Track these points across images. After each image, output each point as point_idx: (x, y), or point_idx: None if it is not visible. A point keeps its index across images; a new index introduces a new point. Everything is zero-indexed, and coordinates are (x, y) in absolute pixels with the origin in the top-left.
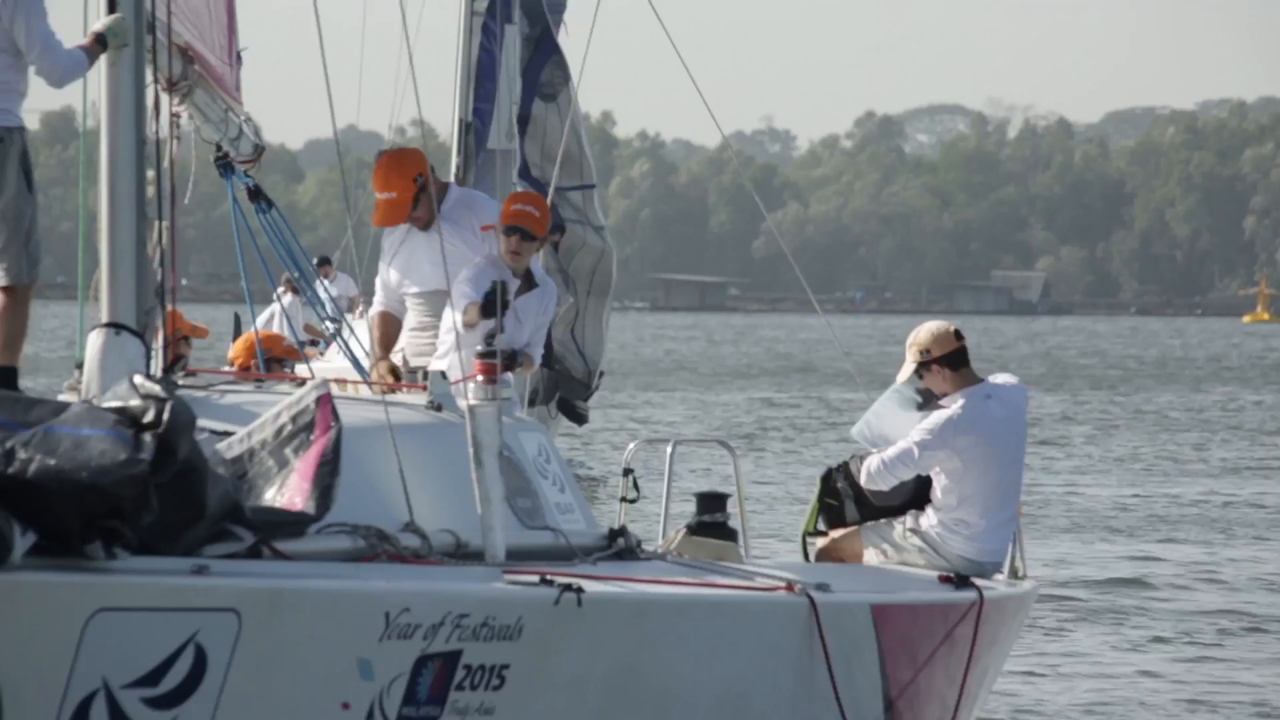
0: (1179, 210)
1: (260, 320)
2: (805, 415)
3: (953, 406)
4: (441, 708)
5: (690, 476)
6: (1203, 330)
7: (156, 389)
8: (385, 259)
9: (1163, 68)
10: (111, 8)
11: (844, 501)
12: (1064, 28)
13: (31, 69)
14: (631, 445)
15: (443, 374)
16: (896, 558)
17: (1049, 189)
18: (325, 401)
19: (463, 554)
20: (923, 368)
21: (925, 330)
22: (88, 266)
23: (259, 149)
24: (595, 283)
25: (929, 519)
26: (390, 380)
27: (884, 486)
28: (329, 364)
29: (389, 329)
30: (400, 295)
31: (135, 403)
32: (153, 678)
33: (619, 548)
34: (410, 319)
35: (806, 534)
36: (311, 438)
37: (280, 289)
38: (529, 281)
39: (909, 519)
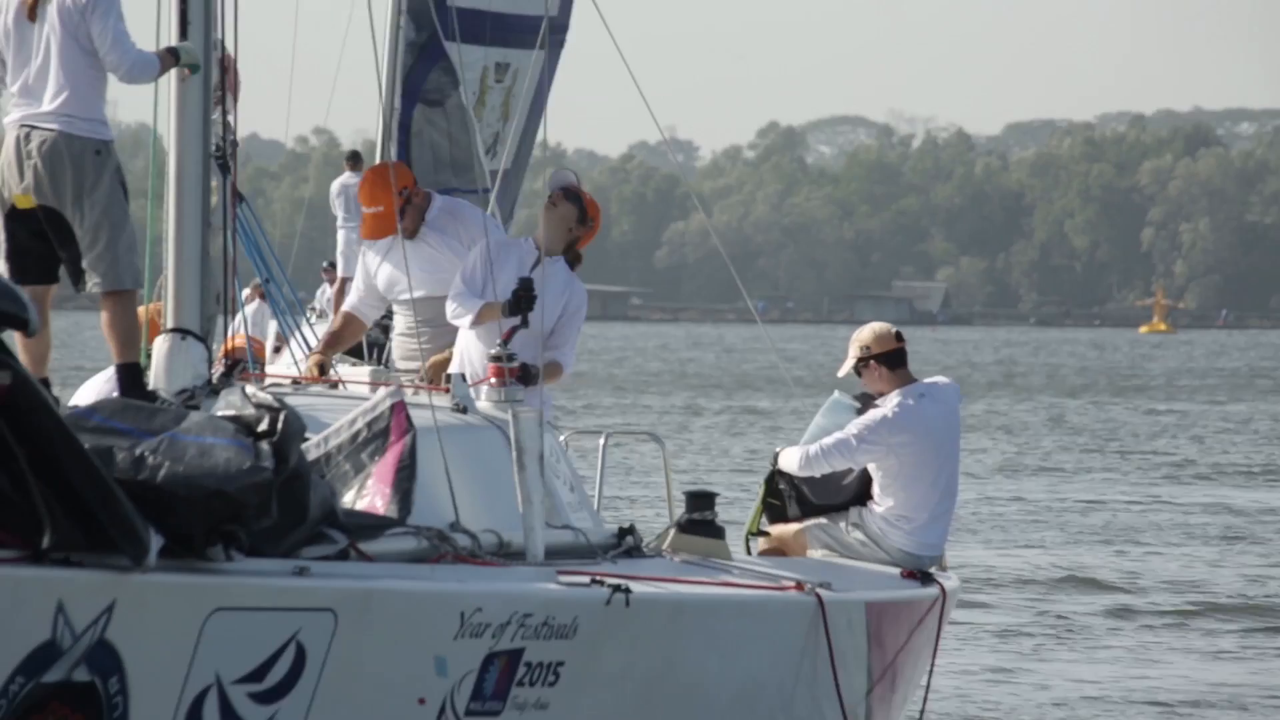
0: (1078, 222)
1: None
2: (729, 420)
3: (888, 405)
4: (504, 703)
5: (618, 471)
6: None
7: (268, 399)
8: (367, 264)
9: (1062, 81)
10: (183, 33)
11: (786, 501)
12: (964, 40)
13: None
14: (562, 438)
15: (463, 376)
16: (840, 552)
17: (949, 200)
18: (400, 408)
19: (505, 553)
20: (861, 364)
21: (868, 329)
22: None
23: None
24: None
25: (871, 515)
26: (316, 375)
27: (815, 473)
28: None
29: (347, 330)
30: (385, 300)
31: (250, 412)
32: (258, 674)
33: (628, 546)
34: (399, 323)
35: (750, 534)
36: (387, 443)
37: (246, 292)
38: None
39: (852, 515)
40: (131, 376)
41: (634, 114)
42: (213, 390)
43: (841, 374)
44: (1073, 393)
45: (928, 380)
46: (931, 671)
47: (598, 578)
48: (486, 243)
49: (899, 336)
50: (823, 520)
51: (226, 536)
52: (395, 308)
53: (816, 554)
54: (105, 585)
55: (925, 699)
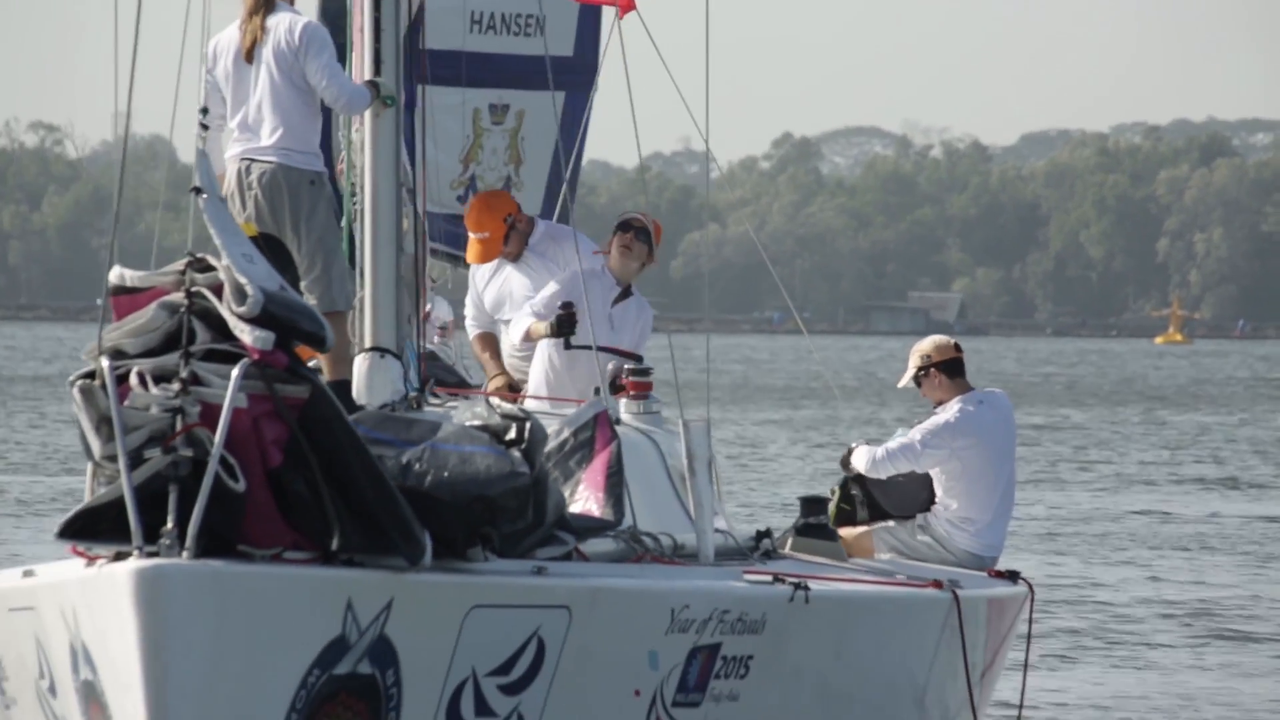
0: (1093, 232)
1: None
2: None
3: (950, 411)
4: (704, 694)
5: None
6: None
7: (513, 409)
8: (478, 286)
9: (1076, 91)
10: (377, 69)
11: (857, 506)
12: (978, 51)
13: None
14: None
15: (597, 390)
16: (906, 554)
17: (965, 211)
18: (604, 419)
19: (679, 554)
20: (922, 374)
21: (928, 340)
22: None
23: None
24: None
25: (936, 518)
26: (508, 394)
27: (882, 475)
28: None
29: (493, 347)
30: (494, 320)
31: (497, 421)
32: (506, 667)
33: (765, 548)
34: (506, 345)
35: None
36: (593, 451)
37: None
38: (626, 292)
39: (918, 519)
40: (342, 393)
41: (649, 125)
42: (410, 405)
43: (901, 385)
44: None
45: (985, 389)
46: (1027, 664)
47: (779, 576)
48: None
49: (957, 347)
50: (890, 524)
51: (484, 538)
52: (501, 327)
53: (884, 556)
54: (385, 584)
55: (1024, 687)
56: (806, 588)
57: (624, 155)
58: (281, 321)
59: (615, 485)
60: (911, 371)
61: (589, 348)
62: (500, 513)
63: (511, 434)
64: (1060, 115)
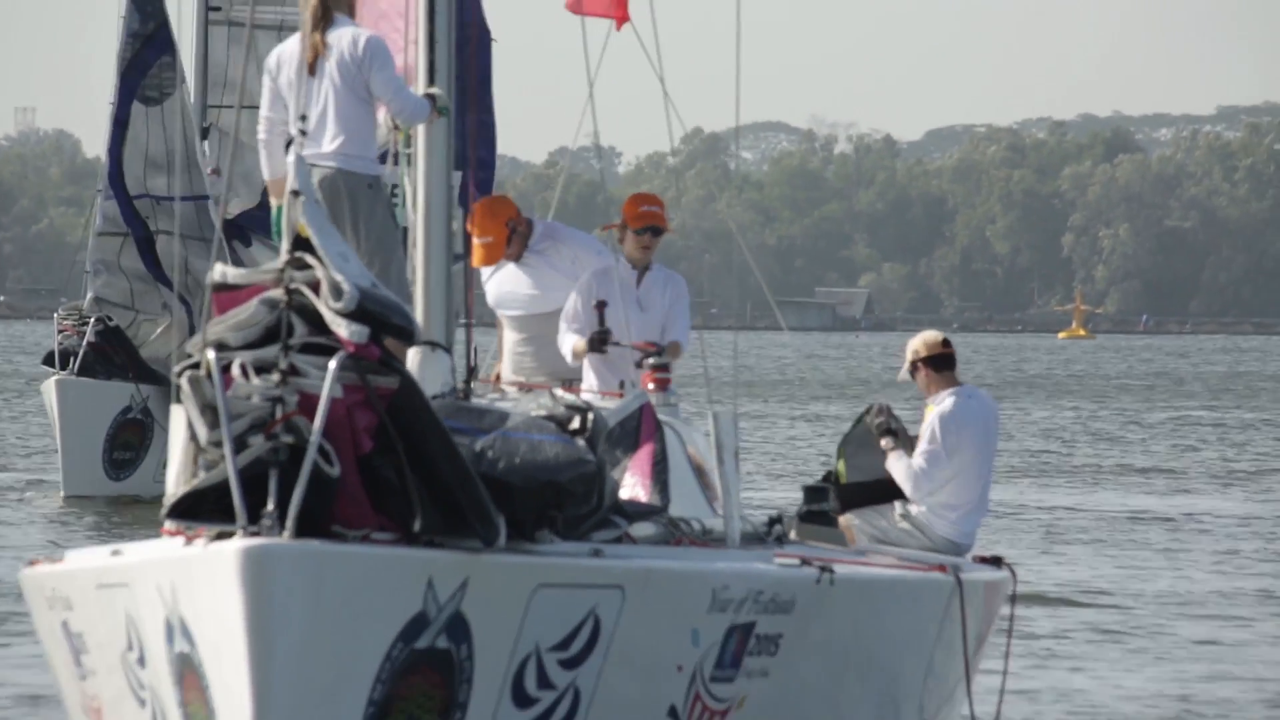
0: (999, 227)
1: None
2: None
3: (944, 404)
4: (738, 670)
5: None
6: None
7: (575, 400)
8: (482, 283)
9: (983, 87)
10: (431, 79)
11: (829, 511)
12: (885, 47)
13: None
14: None
15: (633, 383)
16: (885, 540)
17: (872, 206)
18: (648, 409)
19: (709, 539)
20: (913, 368)
21: (919, 337)
22: None
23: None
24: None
25: (916, 505)
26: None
27: (926, 492)
28: None
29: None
30: (496, 314)
31: (561, 411)
32: (565, 643)
33: (778, 533)
34: (509, 338)
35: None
36: (639, 439)
37: None
38: (645, 269)
39: (898, 506)
40: None
41: (556, 120)
42: (459, 395)
43: (900, 378)
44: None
45: (971, 387)
46: (1010, 644)
47: (806, 560)
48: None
49: (946, 343)
50: (869, 512)
51: (550, 522)
52: (505, 323)
53: (863, 541)
54: (462, 564)
55: (1005, 670)
56: (831, 570)
57: (531, 150)
58: (375, 316)
59: (661, 472)
60: (906, 366)
61: (618, 343)
62: (568, 498)
63: (575, 423)
64: (967, 111)
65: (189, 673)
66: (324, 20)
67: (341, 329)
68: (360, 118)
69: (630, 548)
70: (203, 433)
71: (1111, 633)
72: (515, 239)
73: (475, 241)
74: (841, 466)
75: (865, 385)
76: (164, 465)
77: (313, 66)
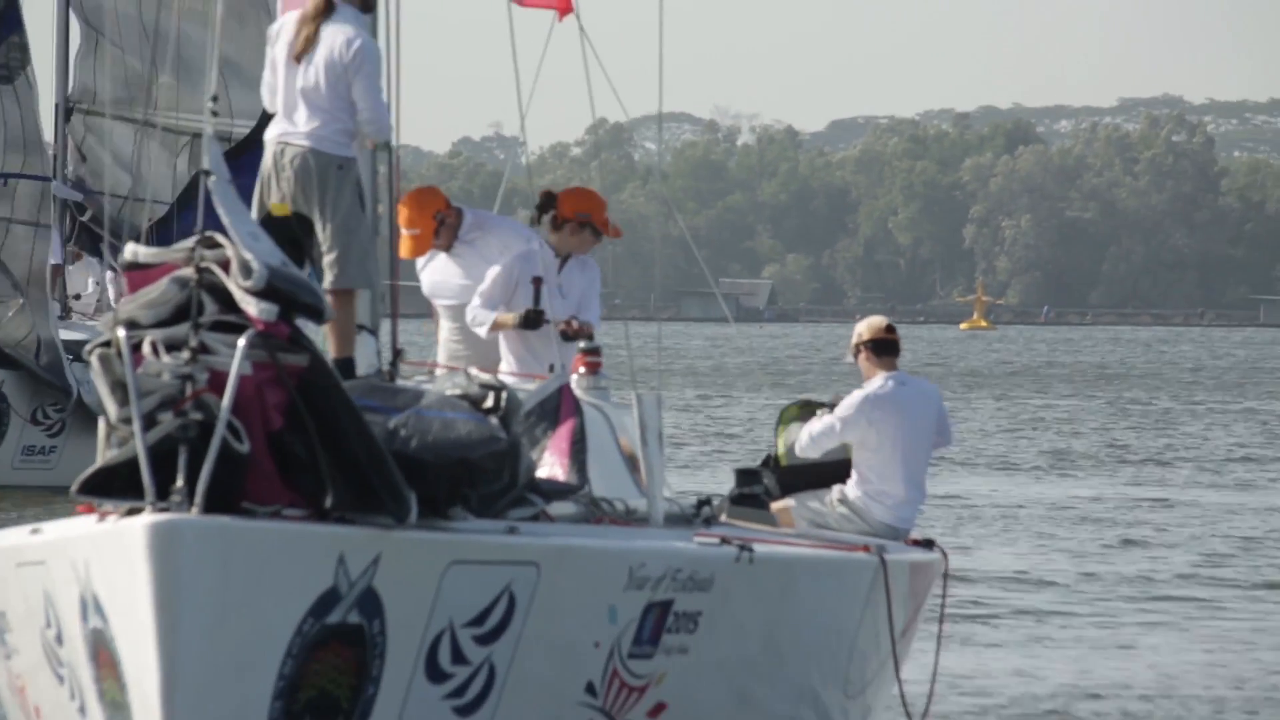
0: (901, 219)
1: None
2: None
3: (869, 386)
4: (656, 647)
5: None
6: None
7: (490, 379)
8: (416, 273)
9: (885, 78)
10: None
11: (770, 490)
12: (787, 37)
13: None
14: None
15: (564, 366)
16: (825, 525)
17: (775, 197)
18: (567, 390)
19: (631, 518)
20: (856, 350)
21: (865, 321)
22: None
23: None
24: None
25: (853, 490)
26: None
27: (814, 455)
28: None
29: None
30: (431, 303)
31: (475, 390)
32: (480, 619)
33: (706, 515)
34: (444, 327)
35: None
36: (558, 420)
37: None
38: (566, 258)
39: (835, 491)
40: (346, 370)
41: (459, 109)
42: (385, 376)
43: (847, 361)
44: None
45: (914, 377)
46: (941, 627)
47: (726, 539)
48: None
49: (890, 329)
50: (807, 496)
51: (463, 499)
52: (440, 311)
53: (801, 525)
54: (374, 540)
55: (938, 651)
56: (750, 549)
57: (434, 141)
58: (284, 294)
59: (579, 452)
60: (850, 349)
61: (548, 322)
62: (480, 474)
63: (489, 402)
64: (869, 102)
65: (102, 649)
66: (323, 14)
67: (250, 307)
68: (337, 107)
69: (548, 526)
70: (113, 410)
71: (1044, 615)
72: (444, 230)
73: (403, 233)
74: (781, 449)
75: (783, 374)
76: (23, 450)
77: (299, 57)
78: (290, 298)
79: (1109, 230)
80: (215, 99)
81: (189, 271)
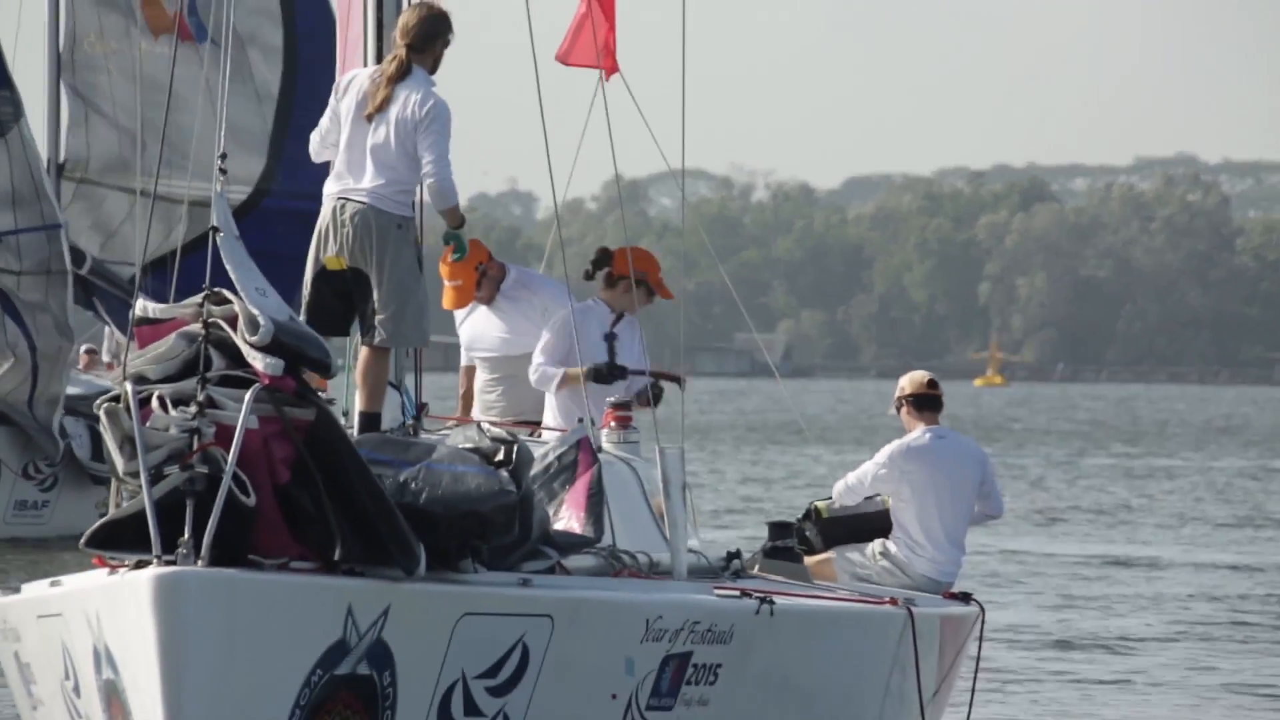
0: (916, 275)
1: None
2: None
3: (906, 439)
4: (675, 699)
5: None
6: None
7: (501, 433)
8: (457, 323)
9: (900, 135)
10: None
11: (813, 540)
12: (803, 94)
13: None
14: None
15: (592, 420)
16: (866, 578)
17: (790, 253)
18: (585, 444)
19: (655, 571)
20: (898, 404)
21: (908, 376)
22: None
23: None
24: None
25: (894, 544)
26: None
27: (850, 502)
28: None
29: (470, 379)
30: (470, 355)
31: (486, 444)
32: (493, 671)
33: (735, 568)
34: (479, 378)
35: None
36: (576, 474)
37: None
38: (619, 317)
39: (877, 544)
40: (372, 424)
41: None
42: (408, 430)
43: (890, 413)
44: None
45: (958, 434)
46: (976, 681)
47: (746, 591)
48: (570, 313)
49: (931, 384)
50: (849, 548)
51: (473, 551)
52: (476, 363)
53: (843, 578)
54: (384, 592)
55: (971, 705)
56: (772, 601)
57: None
58: (290, 349)
59: (596, 505)
60: (893, 402)
61: (636, 373)
62: (489, 527)
63: (500, 456)
64: (884, 159)
65: (115, 699)
66: (399, 77)
67: (257, 361)
68: (404, 165)
69: (563, 578)
70: (120, 464)
71: (1080, 674)
72: (486, 282)
73: (446, 285)
74: (823, 503)
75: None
76: (15, 505)
77: (372, 116)
78: (296, 352)
79: (1123, 288)
80: (224, 156)
81: (197, 327)
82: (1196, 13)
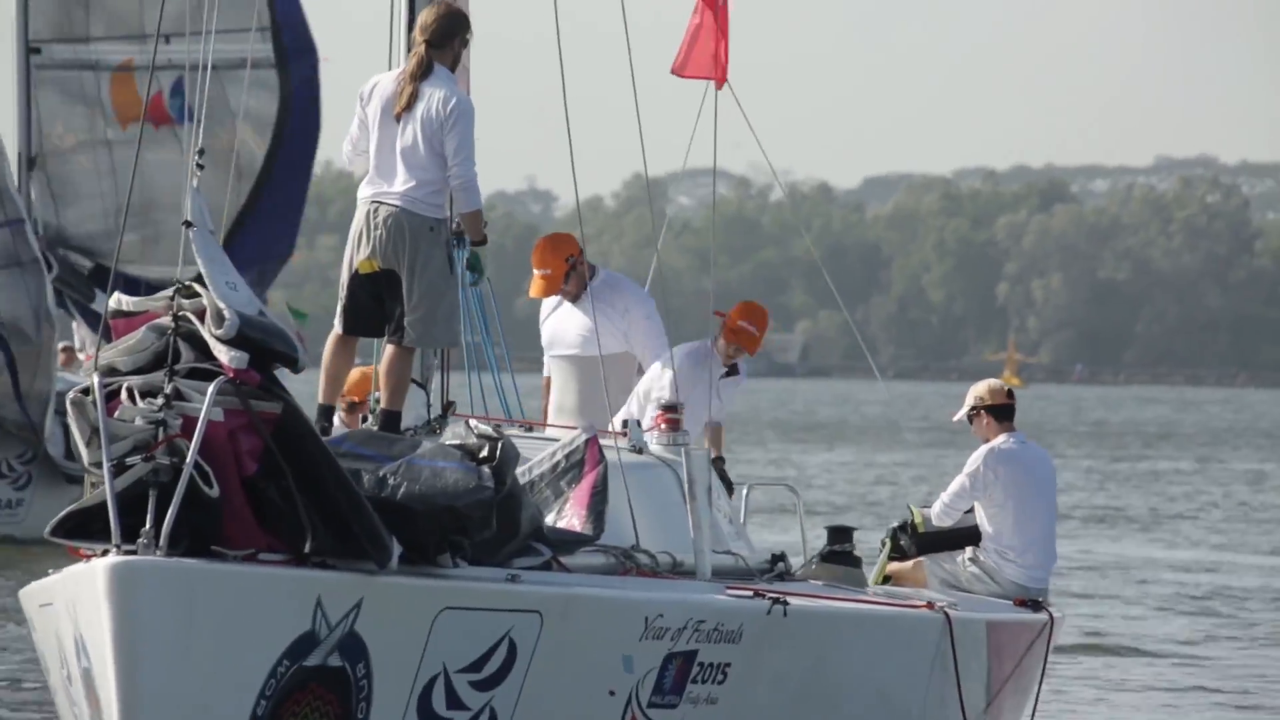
0: (934, 276)
1: None
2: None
3: (991, 444)
4: (680, 697)
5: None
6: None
7: (488, 430)
8: (542, 319)
9: (919, 136)
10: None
11: (906, 548)
12: (821, 94)
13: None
14: (745, 490)
15: (638, 422)
16: (955, 585)
17: (808, 253)
18: (593, 443)
19: (679, 571)
20: (974, 413)
21: (984, 384)
22: None
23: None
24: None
25: (984, 552)
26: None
27: (950, 522)
28: None
29: (548, 385)
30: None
31: (472, 441)
32: (477, 665)
33: (779, 570)
34: (555, 377)
35: (875, 584)
36: (582, 472)
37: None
38: (733, 369)
39: (968, 552)
40: (392, 423)
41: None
42: (432, 429)
43: (955, 419)
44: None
45: (1024, 434)
46: (1039, 694)
47: (759, 592)
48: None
49: (1009, 394)
50: (942, 556)
51: (454, 546)
52: (552, 362)
53: (933, 585)
54: (355, 585)
55: (1034, 715)
56: (785, 602)
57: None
58: (256, 343)
59: (598, 503)
60: (965, 409)
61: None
62: (466, 522)
63: (484, 452)
64: (903, 159)
65: (91, 688)
66: (423, 74)
67: (222, 355)
68: (433, 167)
69: (555, 575)
70: (86, 454)
71: (1151, 680)
72: (574, 277)
73: (535, 273)
74: (918, 516)
75: (840, 427)
76: None
77: (400, 115)
78: (262, 346)
79: (1142, 290)
80: (202, 152)
81: (167, 320)
82: (1217, 14)
